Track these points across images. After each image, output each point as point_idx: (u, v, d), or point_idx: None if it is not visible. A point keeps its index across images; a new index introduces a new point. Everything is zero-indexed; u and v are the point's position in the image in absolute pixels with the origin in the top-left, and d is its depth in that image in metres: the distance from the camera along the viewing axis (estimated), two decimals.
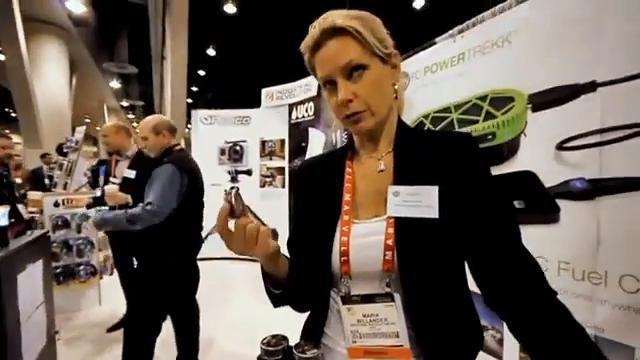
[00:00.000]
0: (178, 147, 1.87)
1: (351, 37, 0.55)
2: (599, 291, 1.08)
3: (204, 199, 1.97)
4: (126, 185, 2.34)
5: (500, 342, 1.41)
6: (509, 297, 0.54)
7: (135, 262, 2.13)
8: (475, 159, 0.58)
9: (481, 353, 1.61)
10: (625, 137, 1.02)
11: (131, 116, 22.21)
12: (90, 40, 9.98)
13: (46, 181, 5.31)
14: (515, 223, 0.57)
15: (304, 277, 0.65)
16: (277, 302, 0.63)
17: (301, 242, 0.68)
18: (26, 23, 7.15)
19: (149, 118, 1.86)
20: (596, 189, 1.09)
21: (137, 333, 1.72)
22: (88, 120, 18.93)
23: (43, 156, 6.17)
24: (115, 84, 14.30)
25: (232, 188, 0.53)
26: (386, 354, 0.57)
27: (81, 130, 3.53)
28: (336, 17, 0.56)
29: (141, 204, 1.62)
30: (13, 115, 12.88)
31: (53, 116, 8.64)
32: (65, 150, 3.45)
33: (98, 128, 18.54)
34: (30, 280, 1.46)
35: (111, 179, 2.48)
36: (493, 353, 1.43)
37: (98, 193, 3.78)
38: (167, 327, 1.92)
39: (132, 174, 2.38)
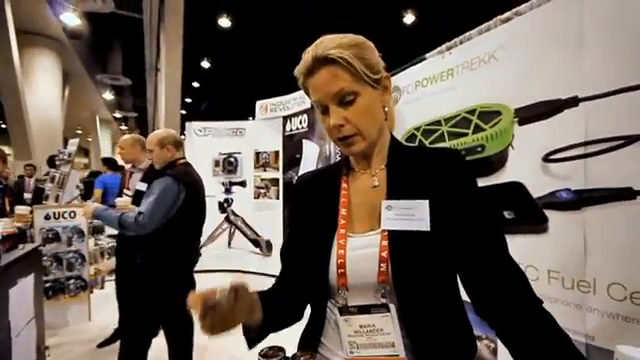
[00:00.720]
0: (182, 161, 1.90)
1: (342, 67, 0.58)
2: (588, 299, 1.10)
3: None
4: (138, 197, 2.34)
5: (494, 352, 1.43)
6: (497, 306, 0.56)
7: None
8: (463, 174, 0.61)
9: None
10: (608, 149, 1.07)
11: (124, 127, 22.10)
12: (84, 52, 10.01)
13: (26, 195, 5.15)
14: (501, 235, 0.60)
15: (296, 287, 0.68)
16: (252, 344, 0.63)
17: (296, 254, 0.70)
18: (19, 35, 7.16)
19: (158, 132, 1.91)
20: (582, 199, 1.13)
21: (133, 343, 1.73)
22: (80, 131, 18.79)
23: (28, 166, 5.96)
24: (108, 96, 14.28)
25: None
26: None
27: (74, 142, 3.51)
28: (328, 45, 0.58)
29: (137, 209, 1.66)
30: (3, 127, 12.73)
31: (44, 128, 8.57)
32: (57, 162, 3.42)
33: (90, 139, 18.41)
34: (21, 295, 1.43)
35: (125, 191, 2.53)
36: None
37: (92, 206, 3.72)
38: (160, 342, 1.89)
39: (144, 187, 2.36)
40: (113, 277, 3.03)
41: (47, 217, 2.88)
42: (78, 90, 12.28)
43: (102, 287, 3.45)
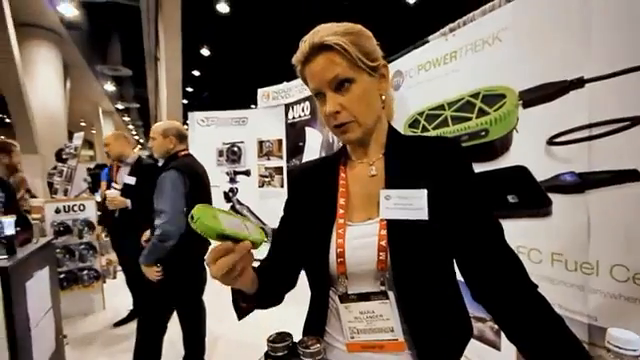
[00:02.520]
0: (184, 152, 1.91)
1: (337, 53, 0.58)
2: (591, 281, 1.11)
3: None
4: (127, 191, 2.48)
5: (497, 333, 1.46)
6: (493, 291, 0.58)
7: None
8: (460, 163, 0.62)
9: (479, 344, 1.65)
10: (613, 131, 1.06)
11: (126, 119, 22.09)
12: (83, 43, 9.91)
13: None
14: (497, 222, 0.61)
15: (286, 260, 0.70)
16: (242, 315, 0.64)
17: (289, 235, 0.72)
18: (18, 28, 7.09)
19: (163, 122, 1.93)
20: (586, 182, 1.12)
21: (147, 330, 1.78)
22: (83, 124, 18.84)
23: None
24: (109, 87, 14.21)
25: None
26: (382, 348, 0.61)
27: (79, 136, 3.54)
28: (325, 33, 0.58)
29: (157, 221, 1.65)
30: (7, 121, 12.80)
31: (48, 121, 8.60)
32: (64, 156, 3.46)
33: (94, 132, 18.46)
34: (38, 287, 1.48)
35: (113, 184, 2.58)
36: (491, 343, 1.47)
37: (98, 198, 3.82)
38: (176, 327, 1.96)
39: (132, 180, 2.51)
40: None
41: (57, 211, 2.93)
42: (79, 82, 12.24)
43: (114, 277, 3.54)
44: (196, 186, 1.80)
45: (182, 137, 1.92)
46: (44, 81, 8.70)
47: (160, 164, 2.58)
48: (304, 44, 0.60)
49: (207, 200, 1.97)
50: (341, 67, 0.58)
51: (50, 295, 1.65)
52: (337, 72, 0.59)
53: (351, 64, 0.59)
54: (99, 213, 3.55)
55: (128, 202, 2.48)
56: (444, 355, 0.62)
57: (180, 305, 1.92)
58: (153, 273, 1.70)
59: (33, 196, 3.64)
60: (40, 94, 8.43)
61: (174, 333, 1.94)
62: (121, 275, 3.50)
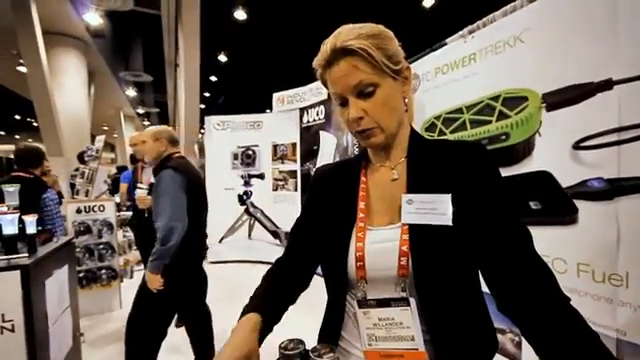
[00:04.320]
0: (178, 155, 1.92)
1: (361, 58, 0.56)
2: (620, 293, 1.06)
3: (208, 204, 2.01)
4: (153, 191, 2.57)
5: (518, 345, 1.40)
6: (521, 303, 0.54)
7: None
8: (486, 168, 0.59)
9: (500, 357, 1.59)
10: None
11: (147, 123, 22.75)
12: (107, 51, 10.30)
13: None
14: (526, 230, 0.57)
15: (303, 260, 0.71)
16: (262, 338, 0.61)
17: (307, 234, 0.71)
18: (46, 36, 7.43)
19: (154, 127, 1.94)
20: (615, 189, 1.07)
21: (139, 337, 1.74)
22: (106, 128, 19.50)
23: None
24: (131, 92, 14.68)
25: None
26: (402, 357, 0.58)
27: (101, 139, 3.64)
28: (347, 36, 0.56)
29: (159, 221, 1.65)
30: (35, 124, 13.40)
31: (73, 125, 8.94)
32: (86, 159, 3.57)
33: (115, 135, 19.08)
34: (57, 285, 1.52)
35: (138, 184, 2.69)
36: (511, 357, 1.41)
37: (117, 199, 3.91)
38: (183, 333, 1.95)
39: None
40: (141, 267, 3.20)
41: (79, 211, 3.02)
42: (103, 88, 12.70)
43: (131, 277, 3.62)
44: (193, 186, 1.79)
45: (174, 141, 1.91)
46: (70, 87, 9.07)
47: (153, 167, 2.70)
48: (325, 47, 0.58)
49: (203, 203, 1.95)
50: (365, 73, 0.56)
51: (69, 293, 1.69)
52: (361, 78, 0.56)
53: (375, 69, 0.57)
54: (119, 214, 3.65)
55: None
56: None
57: (184, 309, 1.91)
58: (157, 282, 1.65)
59: (62, 197, 3.77)
60: (66, 99, 8.78)
61: (180, 340, 1.90)
62: (138, 275, 3.58)
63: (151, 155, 1.88)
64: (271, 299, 0.65)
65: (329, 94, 0.64)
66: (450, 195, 0.57)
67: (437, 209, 0.56)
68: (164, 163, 1.82)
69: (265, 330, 0.60)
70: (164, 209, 1.65)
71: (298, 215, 0.77)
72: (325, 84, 0.63)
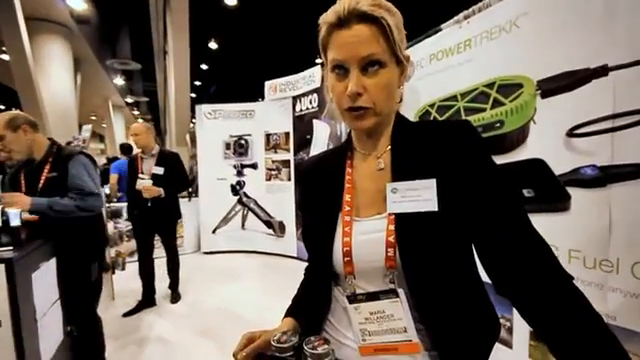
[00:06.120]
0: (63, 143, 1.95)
1: (380, 29, 0.52)
2: (611, 279, 1.07)
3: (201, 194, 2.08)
4: (156, 180, 2.70)
5: (510, 331, 1.42)
6: (519, 283, 0.52)
7: None
8: (473, 146, 0.56)
9: None
10: (638, 122, 1.00)
11: (136, 112, 22.30)
12: (93, 37, 9.99)
13: None
14: (521, 206, 0.55)
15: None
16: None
17: (308, 240, 0.69)
18: (28, 22, 7.15)
19: (8, 113, 1.77)
20: (608, 176, 1.07)
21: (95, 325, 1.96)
22: (94, 117, 19.06)
23: None
24: (119, 81, 14.33)
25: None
26: (396, 350, 0.57)
27: (88, 128, 3.55)
28: (369, 0, 0.52)
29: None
30: None
31: (60, 114, 8.70)
32: None
33: (104, 125, 18.69)
34: (44, 278, 1.49)
35: (140, 175, 2.73)
36: (503, 342, 1.43)
37: (107, 190, 3.84)
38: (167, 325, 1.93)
39: (160, 170, 2.73)
40: (134, 258, 3.18)
41: None
42: (90, 76, 12.35)
43: (123, 268, 3.58)
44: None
45: (34, 125, 1.81)
46: (55, 75, 8.79)
47: (153, 153, 2.81)
48: (340, 5, 0.52)
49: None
50: (379, 46, 0.52)
51: (57, 286, 1.66)
52: (373, 51, 0.52)
53: (388, 47, 0.53)
54: (109, 206, 3.59)
55: (162, 191, 2.69)
56: (468, 356, 0.57)
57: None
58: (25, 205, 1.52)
59: None
60: (51, 88, 8.52)
61: (165, 332, 1.92)
62: (130, 266, 3.55)
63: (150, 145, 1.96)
64: (303, 311, 0.68)
65: (322, 82, 0.60)
66: (435, 180, 0.54)
67: (422, 195, 0.54)
68: (59, 152, 1.78)
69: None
70: (88, 182, 1.75)
71: (291, 206, 0.76)
72: (324, 48, 0.58)
